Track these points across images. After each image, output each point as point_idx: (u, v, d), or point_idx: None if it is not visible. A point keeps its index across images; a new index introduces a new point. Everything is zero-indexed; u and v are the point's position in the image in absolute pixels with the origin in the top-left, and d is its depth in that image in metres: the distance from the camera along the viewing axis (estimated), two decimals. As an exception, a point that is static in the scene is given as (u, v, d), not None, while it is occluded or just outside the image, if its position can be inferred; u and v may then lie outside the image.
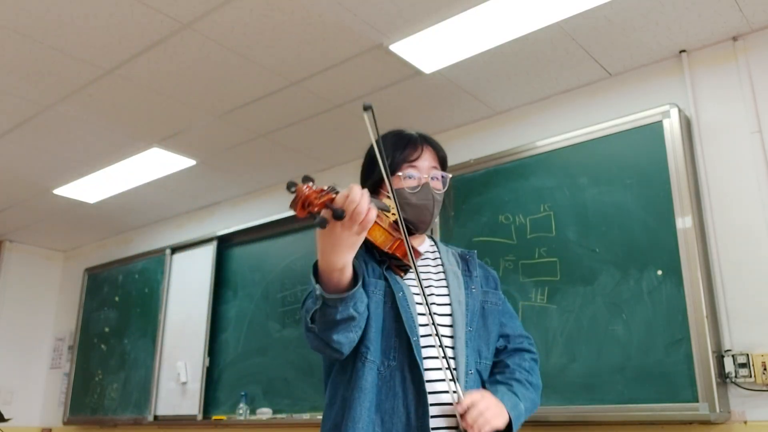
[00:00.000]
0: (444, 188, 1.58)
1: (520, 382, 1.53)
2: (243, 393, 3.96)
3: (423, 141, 1.58)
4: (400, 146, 1.55)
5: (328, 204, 1.22)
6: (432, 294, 1.50)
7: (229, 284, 4.36)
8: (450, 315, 1.47)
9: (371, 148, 1.54)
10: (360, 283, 1.31)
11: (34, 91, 3.16)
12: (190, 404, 4.25)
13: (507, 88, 3.14)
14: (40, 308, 5.77)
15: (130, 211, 4.90)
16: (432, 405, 1.36)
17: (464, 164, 3.29)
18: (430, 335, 1.39)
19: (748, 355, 2.39)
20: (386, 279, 1.45)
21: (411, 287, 1.46)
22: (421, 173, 1.53)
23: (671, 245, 2.55)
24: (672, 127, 2.66)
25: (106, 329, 5.11)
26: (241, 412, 3.90)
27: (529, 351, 1.61)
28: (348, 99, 3.21)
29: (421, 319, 1.42)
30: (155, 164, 3.99)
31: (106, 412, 4.85)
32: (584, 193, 2.84)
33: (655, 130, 2.70)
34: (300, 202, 1.20)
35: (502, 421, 1.38)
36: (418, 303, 1.44)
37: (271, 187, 4.37)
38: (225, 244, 4.46)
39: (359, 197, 1.21)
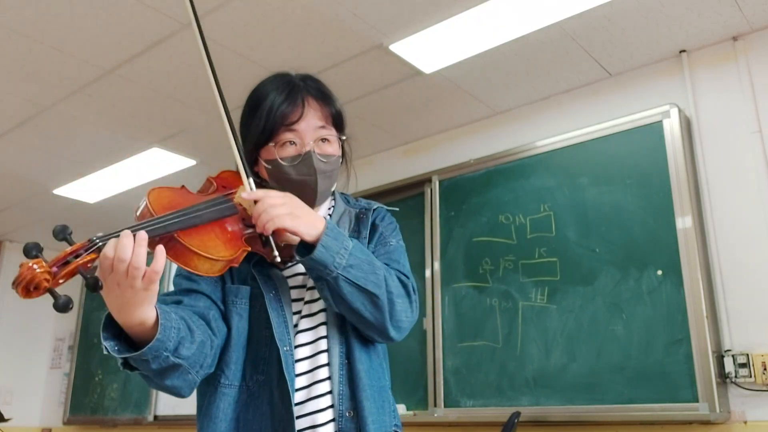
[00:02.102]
0: (339, 153, 1.29)
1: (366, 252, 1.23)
2: (243, 393, 3.96)
3: (307, 94, 1.27)
4: (277, 101, 1.26)
5: (81, 271, 0.93)
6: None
7: (229, 284, 4.35)
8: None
9: (252, 93, 1.32)
10: (159, 335, 1.01)
11: (34, 91, 3.16)
12: (190, 404, 4.23)
13: (507, 88, 3.14)
14: (40, 308, 5.76)
15: (130, 211, 4.86)
16: (303, 416, 1.16)
17: (464, 164, 3.29)
18: (300, 332, 1.19)
19: (748, 355, 2.39)
20: (255, 278, 1.21)
21: (289, 278, 1.23)
22: (303, 139, 1.23)
23: (671, 245, 2.55)
24: (672, 127, 2.66)
25: (106, 329, 5.11)
26: (241, 412, 3.90)
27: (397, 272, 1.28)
28: (348, 99, 3.20)
29: (295, 318, 1.21)
30: (155, 164, 3.99)
31: (106, 412, 4.84)
32: (584, 193, 2.84)
33: (655, 130, 2.71)
34: (22, 286, 0.88)
35: (297, 225, 1.11)
36: (294, 300, 1.22)
37: (271, 187, 4.37)
38: (225, 244, 4.45)
39: (128, 252, 0.93)
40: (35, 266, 0.89)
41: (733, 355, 2.41)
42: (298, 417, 1.15)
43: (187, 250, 1.04)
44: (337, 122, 1.30)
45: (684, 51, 2.82)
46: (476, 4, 2.49)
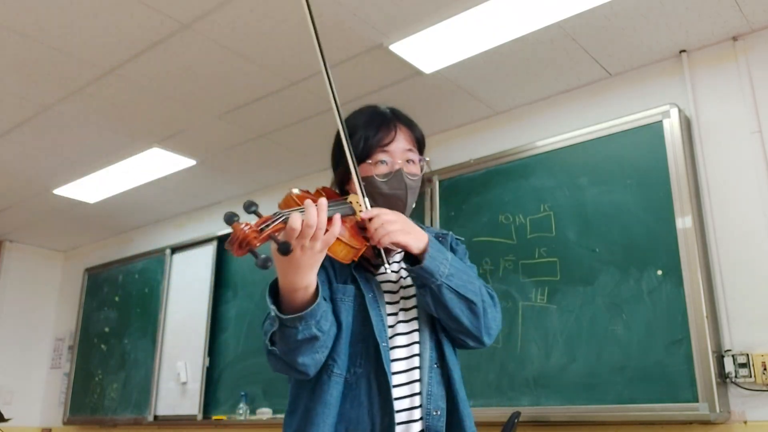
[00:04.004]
0: (421, 173, 1.46)
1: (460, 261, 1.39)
2: (243, 393, 3.96)
3: (397, 120, 1.46)
4: (373, 127, 1.43)
5: (273, 236, 1.11)
6: (400, 271, 1.42)
7: (229, 284, 4.36)
8: (416, 307, 1.38)
9: (347, 122, 1.46)
10: (319, 300, 1.20)
11: (34, 91, 3.16)
12: (190, 404, 4.25)
13: (507, 88, 3.14)
14: (40, 308, 5.77)
15: (130, 211, 4.89)
16: (400, 411, 1.28)
17: (464, 164, 3.29)
18: (397, 335, 1.33)
19: (748, 355, 2.39)
20: (355, 280, 1.36)
21: (382, 283, 1.38)
22: (394, 158, 1.41)
23: (671, 245, 2.55)
24: (672, 127, 2.66)
25: (106, 329, 5.11)
26: (241, 412, 3.90)
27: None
28: (348, 99, 3.20)
29: (390, 320, 1.34)
30: (155, 164, 3.99)
31: (106, 412, 4.85)
32: (584, 193, 2.84)
33: (655, 130, 2.71)
34: (236, 243, 1.08)
35: (409, 240, 1.27)
36: (389, 303, 1.36)
37: (271, 187, 4.37)
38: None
39: (315, 218, 1.12)
40: (245, 228, 1.08)
41: (733, 355, 2.41)
42: (397, 411, 1.27)
43: None
44: (420, 146, 1.48)
45: (684, 51, 2.82)
46: (476, 4, 2.49)
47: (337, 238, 1.23)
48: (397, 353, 1.32)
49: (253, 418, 3.86)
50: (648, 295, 2.57)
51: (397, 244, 1.27)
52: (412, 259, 1.30)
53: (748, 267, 2.48)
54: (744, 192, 2.55)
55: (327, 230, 1.15)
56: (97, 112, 3.37)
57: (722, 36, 2.72)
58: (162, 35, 2.71)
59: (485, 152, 3.26)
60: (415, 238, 1.29)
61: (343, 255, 1.27)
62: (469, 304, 1.32)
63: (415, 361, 1.32)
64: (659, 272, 2.56)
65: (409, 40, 2.71)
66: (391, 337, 1.32)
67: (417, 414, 1.28)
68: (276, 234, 1.11)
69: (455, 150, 3.47)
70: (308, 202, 1.14)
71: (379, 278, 1.38)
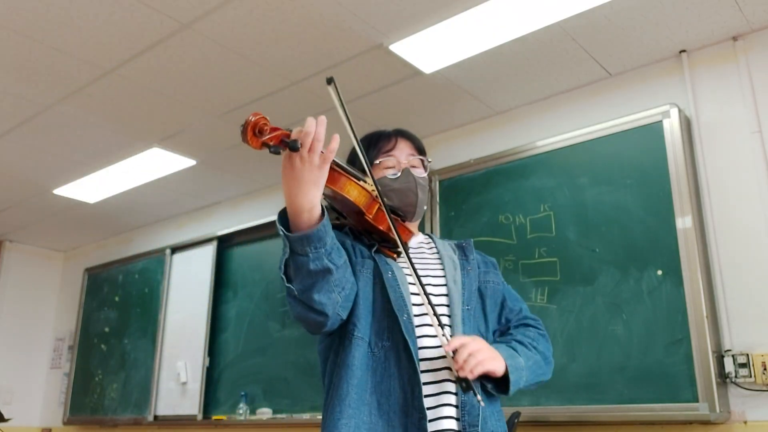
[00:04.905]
0: (426, 173, 1.58)
1: (522, 343, 1.49)
2: (243, 393, 3.96)
3: (396, 133, 1.60)
4: (374, 141, 1.58)
5: (284, 139, 1.21)
6: (428, 275, 1.48)
7: (229, 284, 4.36)
8: (446, 295, 1.46)
9: (351, 149, 1.56)
10: (324, 221, 1.25)
11: (34, 91, 3.16)
12: (190, 404, 4.25)
13: (507, 88, 3.14)
14: (40, 308, 5.77)
15: (130, 211, 4.89)
16: (431, 383, 1.35)
17: (464, 164, 3.29)
18: (426, 314, 1.39)
19: (748, 355, 2.39)
20: (375, 260, 1.43)
21: (403, 268, 1.44)
22: (399, 159, 1.55)
23: (671, 245, 2.55)
24: (672, 127, 2.66)
25: (106, 329, 5.11)
26: (241, 412, 3.90)
27: (534, 327, 1.59)
28: (348, 99, 3.18)
29: (416, 299, 1.40)
30: (155, 164, 3.99)
31: (106, 412, 4.85)
32: (584, 193, 2.84)
33: (655, 130, 2.71)
34: (250, 129, 1.17)
35: (496, 366, 1.35)
36: (411, 283, 1.42)
37: (271, 187, 4.37)
38: (225, 244, 4.45)
39: (314, 125, 1.21)
40: (252, 117, 1.17)
41: (733, 355, 2.41)
42: (430, 383, 1.35)
43: (341, 176, 1.34)
44: (422, 154, 1.61)
45: (684, 51, 2.82)
46: (476, 4, 2.49)
47: (350, 180, 1.34)
48: (426, 330, 1.39)
49: (253, 418, 3.86)
50: (648, 295, 2.57)
51: (487, 373, 1.34)
52: (494, 379, 1.39)
53: (748, 267, 2.48)
54: (744, 192, 2.55)
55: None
56: (97, 112, 3.37)
57: (722, 36, 2.72)
58: (162, 35, 2.71)
59: (485, 152, 3.26)
60: (500, 362, 1.37)
61: (356, 195, 1.36)
62: (541, 381, 1.53)
63: (446, 340, 1.38)
64: (659, 272, 2.56)
65: (409, 40, 2.71)
66: (418, 315, 1.39)
67: (450, 387, 1.35)
68: (286, 137, 1.21)
69: (455, 150, 3.47)
70: (308, 117, 1.23)
71: (401, 264, 1.46)
